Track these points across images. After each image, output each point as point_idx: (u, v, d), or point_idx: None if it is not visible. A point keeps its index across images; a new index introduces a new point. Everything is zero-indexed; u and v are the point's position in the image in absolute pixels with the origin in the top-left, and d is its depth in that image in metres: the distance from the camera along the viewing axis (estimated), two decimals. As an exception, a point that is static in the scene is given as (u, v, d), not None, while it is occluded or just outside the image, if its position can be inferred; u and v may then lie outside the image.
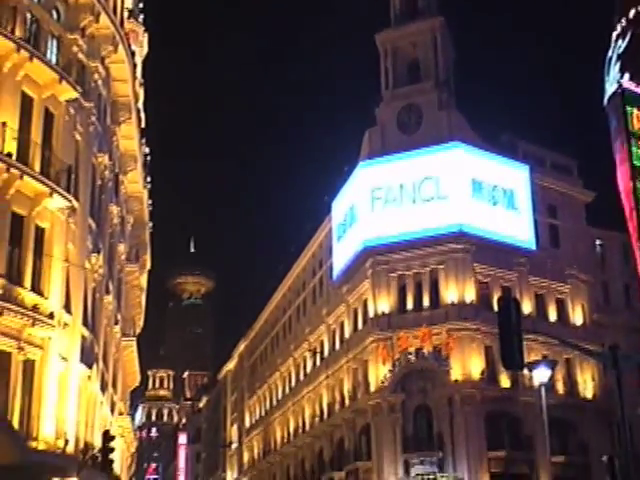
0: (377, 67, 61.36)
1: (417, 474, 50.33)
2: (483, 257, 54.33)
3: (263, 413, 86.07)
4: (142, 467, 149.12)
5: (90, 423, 36.23)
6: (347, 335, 60.80)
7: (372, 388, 54.31)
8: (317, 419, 65.34)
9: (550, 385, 35.71)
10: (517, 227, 56.24)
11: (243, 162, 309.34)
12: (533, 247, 56.38)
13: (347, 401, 58.95)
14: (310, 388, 67.58)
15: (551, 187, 60.06)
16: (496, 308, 15.43)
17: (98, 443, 34.16)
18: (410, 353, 52.52)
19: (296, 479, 69.16)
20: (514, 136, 60.28)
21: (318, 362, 66.97)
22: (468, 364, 51.96)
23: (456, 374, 51.42)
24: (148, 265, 65.31)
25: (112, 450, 31.53)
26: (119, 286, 49.72)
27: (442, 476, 49.55)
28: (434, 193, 54.91)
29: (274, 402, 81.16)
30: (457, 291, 53.65)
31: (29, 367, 29.00)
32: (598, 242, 63.22)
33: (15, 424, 27.23)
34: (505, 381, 52.85)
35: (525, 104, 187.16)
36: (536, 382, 22.48)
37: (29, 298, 29.05)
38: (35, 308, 28.99)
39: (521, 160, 58.44)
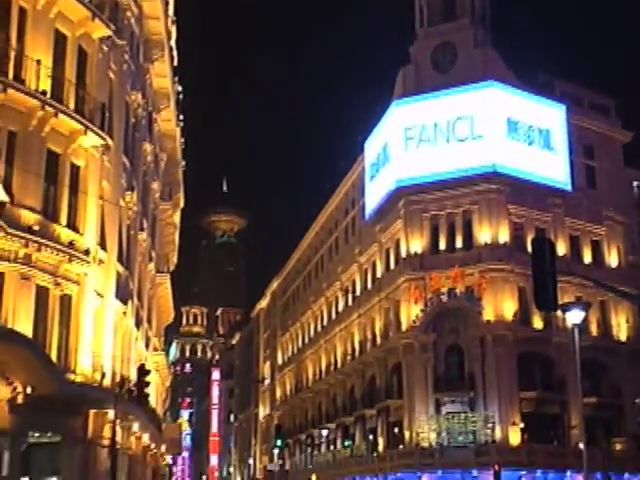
0: (412, 4, 60.30)
1: (448, 412, 50.85)
2: (517, 198, 53.89)
3: (295, 351, 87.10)
4: (177, 401, 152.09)
5: (126, 358, 36.95)
6: (379, 274, 60.97)
7: (404, 327, 54.62)
8: (349, 357, 66.01)
9: (584, 327, 35.61)
10: (553, 168, 55.57)
11: (275, 100, 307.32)
12: (569, 188, 55.74)
13: (379, 340, 59.42)
14: (342, 326, 68.14)
15: (588, 127, 59.09)
16: (530, 249, 15.34)
17: (134, 377, 34.84)
18: (442, 293, 52.61)
19: (327, 415, 70.20)
20: (551, 74, 59.23)
21: (350, 301, 67.38)
22: (501, 305, 51.97)
23: (488, 315, 51.51)
24: (181, 203, 65.68)
25: (147, 384, 32.13)
26: (153, 224, 50.13)
27: (473, 415, 50.01)
28: (468, 132, 54.34)
29: (306, 340, 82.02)
30: (490, 232, 53.41)
31: (66, 302, 29.52)
32: (635, 183, 62.32)
33: (54, 357, 27.84)
34: (538, 322, 52.86)
35: (563, 41, 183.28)
36: (569, 323, 22.44)
37: (65, 235, 29.40)
38: (71, 244, 29.36)
39: (558, 99, 57.45)
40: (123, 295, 35.43)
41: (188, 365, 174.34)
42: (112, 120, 34.02)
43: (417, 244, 55.39)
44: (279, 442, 61.08)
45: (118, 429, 31.11)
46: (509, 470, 45.40)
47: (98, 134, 30.74)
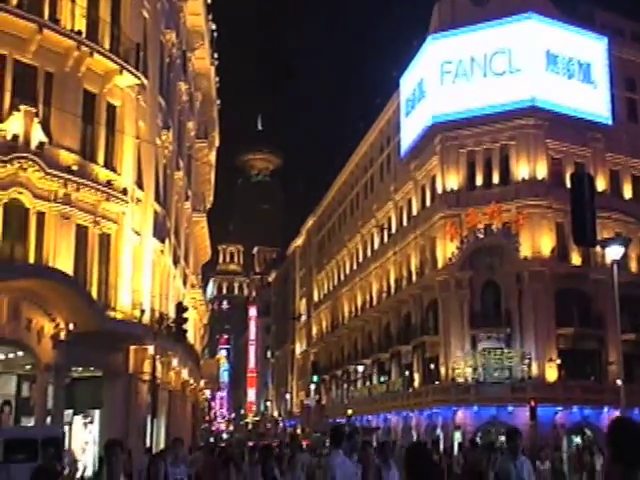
0: None
1: (484, 349, 51.08)
2: (556, 132, 53.12)
3: (331, 288, 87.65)
4: (214, 338, 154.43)
5: (164, 295, 37.53)
6: (415, 212, 60.82)
7: (440, 264, 54.65)
8: (384, 294, 66.34)
9: (623, 263, 35.39)
10: (593, 101, 54.57)
11: (309, 35, 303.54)
12: (609, 122, 54.76)
13: (414, 277, 59.57)
14: (377, 264, 68.34)
15: (630, 59, 57.67)
16: (569, 185, 15.20)
17: (172, 314, 35.43)
18: (479, 230, 52.39)
19: (363, 351, 70.92)
20: (591, 5, 57.73)
21: (385, 239, 67.42)
22: (538, 241, 51.70)
23: (525, 251, 51.30)
24: (217, 142, 65.74)
25: (185, 321, 32.68)
26: (189, 163, 50.31)
27: (509, 352, 50.18)
28: (506, 66, 53.43)
29: (342, 277, 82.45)
30: (528, 167, 52.87)
31: (105, 241, 29.97)
32: (678, 117, 60.97)
33: (94, 295, 28.38)
34: (576, 258, 52.57)
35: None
36: (608, 260, 22.33)
37: (103, 174, 29.71)
38: (109, 184, 29.68)
39: (599, 31, 56.10)
40: (160, 233, 35.82)
41: (225, 302, 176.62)
42: (147, 59, 34.01)
43: (453, 180, 55.04)
44: (315, 378, 62.09)
45: (158, 364, 31.80)
46: (545, 406, 45.65)
47: (133, 73, 30.79)
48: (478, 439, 42.51)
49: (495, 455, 24.12)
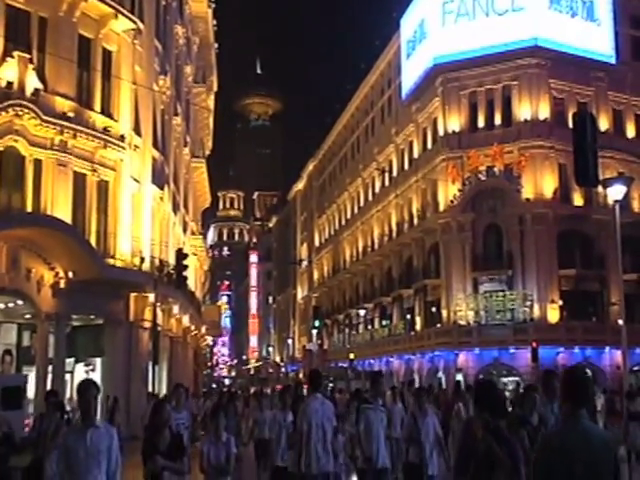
0: None
1: (486, 291, 51.33)
2: (559, 72, 52.57)
3: (332, 232, 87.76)
4: (215, 285, 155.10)
5: (164, 242, 37.60)
6: (416, 155, 60.59)
7: (441, 207, 54.62)
8: (386, 238, 66.44)
9: (625, 203, 35.29)
10: (596, 39, 53.87)
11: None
12: (613, 61, 54.14)
13: (416, 220, 59.59)
14: (379, 208, 68.31)
15: (635, -5, 56.86)
16: (571, 125, 15.09)
17: (172, 261, 35.54)
18: (481, 172, 52.24)
19: (365, 296, 71.29)
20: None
21: (387, 182, 67.27)
22: (540, 183, 51.58)
23: (528, 193, 51.21)
24: (215, 87, 65.18)
25: (186, 267, 32.80)
26: (187, 108, 49.96)
27: (511, 293, 50.43)
28: (509, 5, 52.69)
29: (343, 222, 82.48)
30: (531, 108, 52.49)
31: (103, 188, 29.92)
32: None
33: (93, 242, 28.42)
34: (579, 199, 52.50)
35: None
36: (611, 200, 22.27)
37: (100, 121, 29.51)
38: (106, 130, 29.51)
39: (603, -34, 55.10)
40: (159, 180, 35.74)
41: (226, 249, 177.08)
42: (142, 3, 33.57)
43: (455, 122, 54.70)
44: (317, 322, 62.39)
45: (158, 311, 32.02)
46: (547, 347, 46.01)
47: (129, 17, 30.42)
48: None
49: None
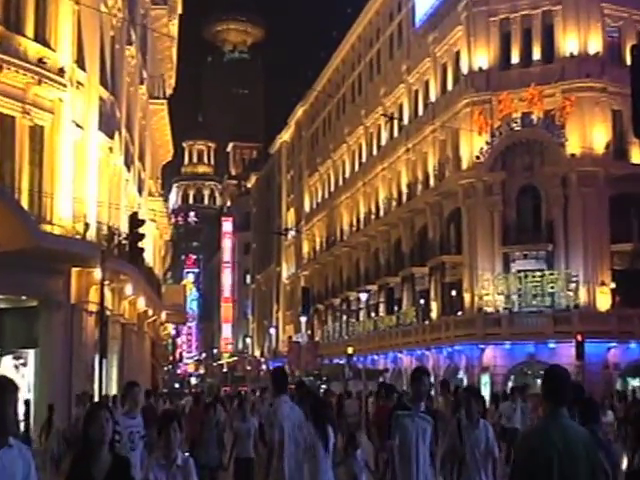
0: None
1: (519, 270, 51.45)
2: (615, -6, 52.62)
3: (326, 195, 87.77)
4: (179, 259, 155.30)
5: (114, 205, 37.49)
6: (433, 97, 60.50)
7: (464, 165, 54.64)
8: (394, 203, 66.48)
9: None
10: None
11: None
12: (683, -20, 54.06)
13: (432, 181, 59.61)
14: (385, 165, 68.28)
15: None
16: (629, 61, 15.03)
17: (125, 229, 35.46)
18: (514, 120, 52.20)
19: (367, 275, 71.41)
20: None
21: (396, 132, 67.18)
22: (589, 134, 51.57)
23: (573, 147, 51.21)
24: (179, 8, 64.68)
25: (141, 237, 32.64)
26: (144, 35, 49.62)
27: (551, 273, 50.55)
28: None
29: (340, 182, 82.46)
30: (578, 40, 52.36)
31: (38, 135, 29.70)
32: None
33: (25, 204, 28.26)
34: (637, 156, 52.54)
35: None
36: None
37: (33, 50, 29.24)
38: (41, 62, 29.24)
39: None
40: (109, 126, 35.57)
41: (192, 214, 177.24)
42: None
43: (482, 57, 54.59)
44: (307, 308, 62.62)
45: (107, 291, 31.97)
46: (595, 341, 46.21)
47: None
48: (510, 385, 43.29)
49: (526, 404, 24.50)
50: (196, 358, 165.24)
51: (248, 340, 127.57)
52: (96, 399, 25.23)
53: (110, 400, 25.58)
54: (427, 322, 57.95)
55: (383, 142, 70.17)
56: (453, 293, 55.94)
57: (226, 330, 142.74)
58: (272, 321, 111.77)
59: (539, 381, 46.34)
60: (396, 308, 63.76)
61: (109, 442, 6.85)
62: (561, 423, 6.10)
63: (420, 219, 61.54)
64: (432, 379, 10.01)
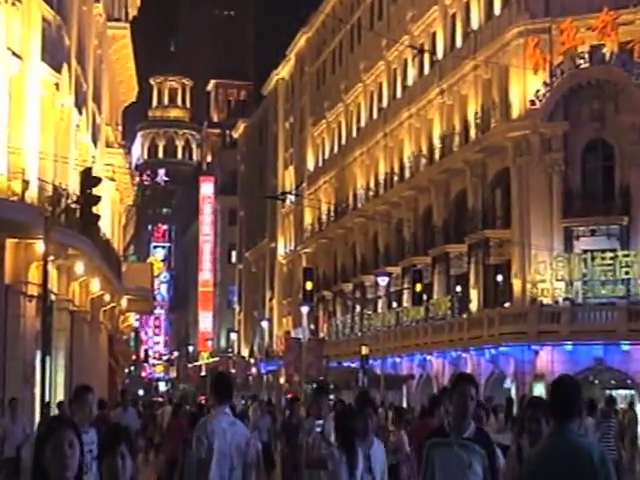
0: None
1: (584, 250, 51.33)
2: None
3: (336, 149, 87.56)
4: (145, 230, 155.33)
5: (61, 158, 37.40)
6: (475, 25, 60.27)
7: (515, 112, 54.55)
8: (423, 161, 66.25)
9: None
10: None
11: None
12: None
13: (472, 133, 59.42)
14: (413, 110, 67.99)
15: None
16: None
17: (75, 189, 35.36)
18: (580, 55, 51.99)
19: (387, 254, 71.23)
20: None
21: (426, 69, 66.89)
22: (678, 75, 51.34)
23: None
24: None
25: (97, 200, 32.53)
26: (101, -63, 49.47)
27: (626, 254, 50.39)
28: None
29: (353, 132, 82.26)
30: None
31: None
32: None
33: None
34: None
35: None
36: None
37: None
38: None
39: None
40: (54, 57, 35.46)
41: (162, 172, 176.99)
42: None
43: (541, -28, 54.46)
44: (309, 295, 62.48)
45: (52, 270, 31.94)
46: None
47: None
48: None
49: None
50: (166, 357, 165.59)
51: (233, 336, 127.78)
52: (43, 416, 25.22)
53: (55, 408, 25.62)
54: (465, 316, 57.90)
55: (410, 82, 69.87)
56: (499, 279, 55.90)
57: (205, 322, 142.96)
58: (264, 312, 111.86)
59: (610, 392, 46.43)
60: (425, 297, 63.47)
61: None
62: (566, 441, 6.49)
63: (457, 182, 61.39)
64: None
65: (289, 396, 49.25)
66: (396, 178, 71.19)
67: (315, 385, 59.24)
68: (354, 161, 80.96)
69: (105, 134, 54.02)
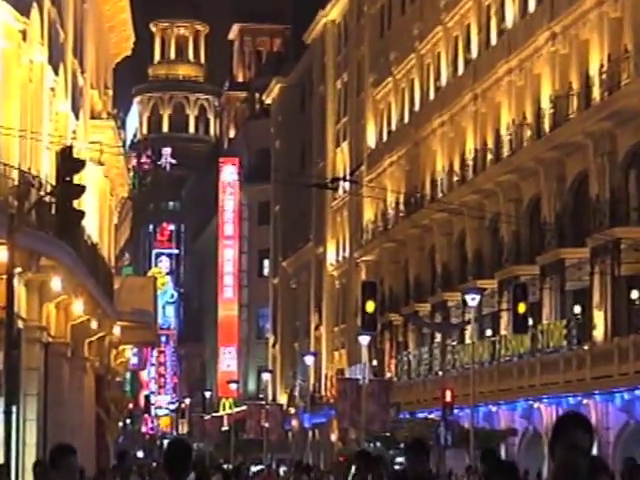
0: None
1: None
2: None
3: (406, 118, 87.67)
4: (145, 231, 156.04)
5: (31, 134, 37.64)
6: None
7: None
8: (528, 132, 66.09)
9: None
10: None
11: None
12: None
13: (596, 93, 59.25)
14: (512, 63, 67.87)
15: None
16: None
17: (50, 176, 35.53)
18: None
19: (479, 261, 71.20)
20: None
21: (531, 4, 66.78)
22: None
23: None
24: None
25: (79, 191, 32.71)
26: None
27: None
28: None
29: (431, 93, 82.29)
30: None
31: None
32: None
33: None
34: None
35: None
36: None
37: None
38: None
39: None
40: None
41: (168, 152, 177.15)
42: None
43: None
44: (371, 321, 62.48)
45: (18, 287, 32.12)
46: None
47: None
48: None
49: None
50: (174, 406, 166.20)
51: (266, 376, 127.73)
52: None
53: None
54: (586, 347, 57.80)
55: (509, 23, 69.72)
56: (634, 295, 55.70)
57: (227, 358, 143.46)
58: (308, 344, 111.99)
59: None
60: (531, 321, 63.47)
61: None
62: None
63: (575, 162, 61.30)
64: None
65: (341, 459, 49.31)
66: (490, 157, 71.06)
67: (377, 444, 59.19)
68: (432, 134, 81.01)
69: (90, 101, 54.32)
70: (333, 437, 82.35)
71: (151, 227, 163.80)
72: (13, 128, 35.06)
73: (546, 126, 64.15)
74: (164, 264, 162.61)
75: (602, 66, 59.05)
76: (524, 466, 49.93)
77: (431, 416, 60.58)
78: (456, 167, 76.65)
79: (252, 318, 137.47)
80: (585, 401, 56.91)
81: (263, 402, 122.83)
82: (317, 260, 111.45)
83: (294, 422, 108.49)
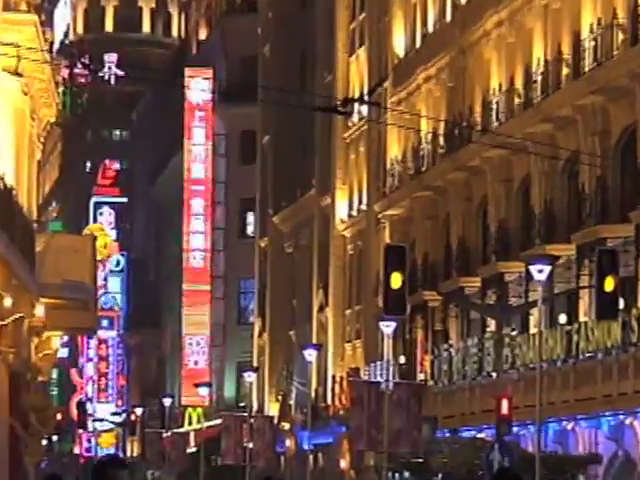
0: None
1: None
2: None
3: (448, 15, 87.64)
4: (81, 171, 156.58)
5: None
6: None
7: None
8: (619, 35, 66.05)
9: None
10: None
11: None
12: None
13: None
14: None
15: None
16: None
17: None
18: None
19: (549, 220, 71.30)
20: None
21: None
22: None
23: None
24: None
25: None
26: None
27: None
28: None
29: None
30: None
31: None
32: None
33: None
34: None
35: None
36: None
37: None
38: None
39: None
40: None
41: (112, 59, 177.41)
42: None
43: None
44: (398, 300, 62.57)
45: None
46: None
47: None
48: None
49: None
50: (120, 419, 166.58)
51: (250, 377, 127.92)
52: None
53: None
54: None
55: None
56: None
57: (195, 352, 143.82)
58: (310, 331, 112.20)
59: None
60: (622, 302, 63.48)
61: None
62: None
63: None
64: None
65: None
66: (567, 71, 70.98)
67: (405, 474, 59.35)
68: (484, 37, 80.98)
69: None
70: (343, 464, 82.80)
71: (89, 165, 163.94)
72: None
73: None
74: (107, 218, 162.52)
75: None
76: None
77: (481, 435, 60.88)
78: (518, 84, 76.64)
79: (231, 295, 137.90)
80: None
81: (245, 414, 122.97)
82: (322, 215, 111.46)
83: (289, 442, 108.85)
